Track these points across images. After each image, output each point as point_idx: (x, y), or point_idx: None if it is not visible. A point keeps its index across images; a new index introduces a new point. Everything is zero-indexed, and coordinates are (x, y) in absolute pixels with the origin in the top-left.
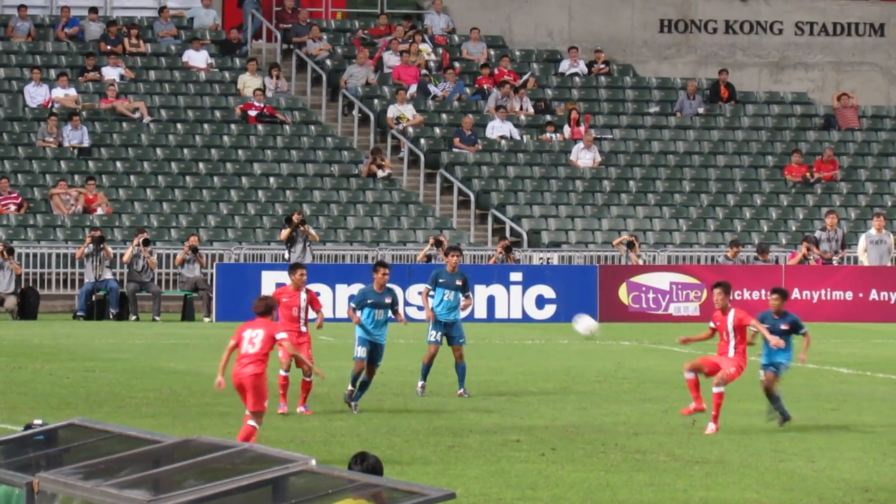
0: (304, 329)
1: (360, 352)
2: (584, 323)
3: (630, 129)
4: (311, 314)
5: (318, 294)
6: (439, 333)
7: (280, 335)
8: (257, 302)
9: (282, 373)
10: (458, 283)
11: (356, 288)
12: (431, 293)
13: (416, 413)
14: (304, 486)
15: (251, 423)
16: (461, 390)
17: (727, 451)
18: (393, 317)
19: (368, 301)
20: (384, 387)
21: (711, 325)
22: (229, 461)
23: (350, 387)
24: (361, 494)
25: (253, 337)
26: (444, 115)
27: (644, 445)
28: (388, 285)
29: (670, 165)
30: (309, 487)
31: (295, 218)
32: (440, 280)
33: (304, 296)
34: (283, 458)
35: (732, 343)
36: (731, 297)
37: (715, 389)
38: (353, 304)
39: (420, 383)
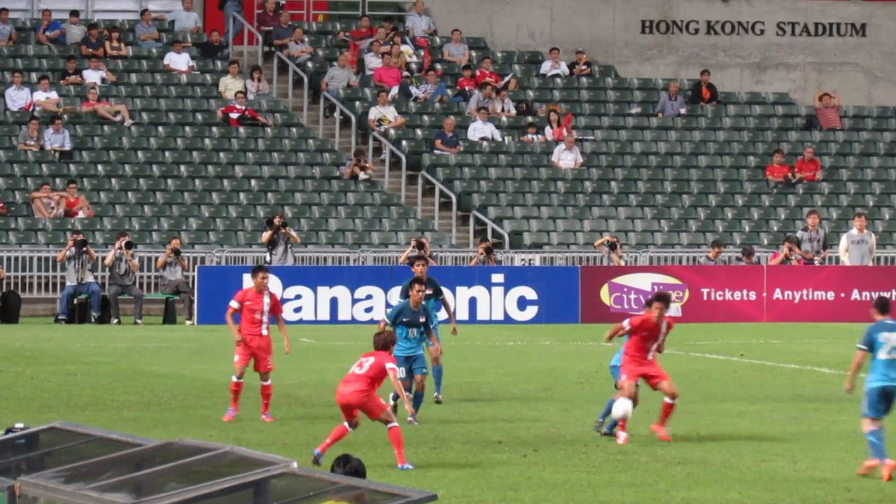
0: (265, 333)
1: (401, 372)
2: (622, 407)
3: (612, 130)
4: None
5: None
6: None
7: (389, 364)
8: (376, 338)
9: (234, 379)
10: (428, 291)
11: (338, 290)
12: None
13: (398, 416)
14: (286, 489)
15: (390, 425)
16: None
17: (709, 452)
18: (427, 337)
19: (403, 319)
20: None
21: (627, 325)
22: (211, 464)
23: (392, 402)
24: (343, 497)
25: (364, 361)
26: (425, 117)
27: (626, 446)
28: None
29: (652, 166)
30: (290, 490)
31: (276, 220)
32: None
33: (266, 299)
34: (264, 461)
35: (653, 350)
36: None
37: (670, 401)
38: (387, 320)
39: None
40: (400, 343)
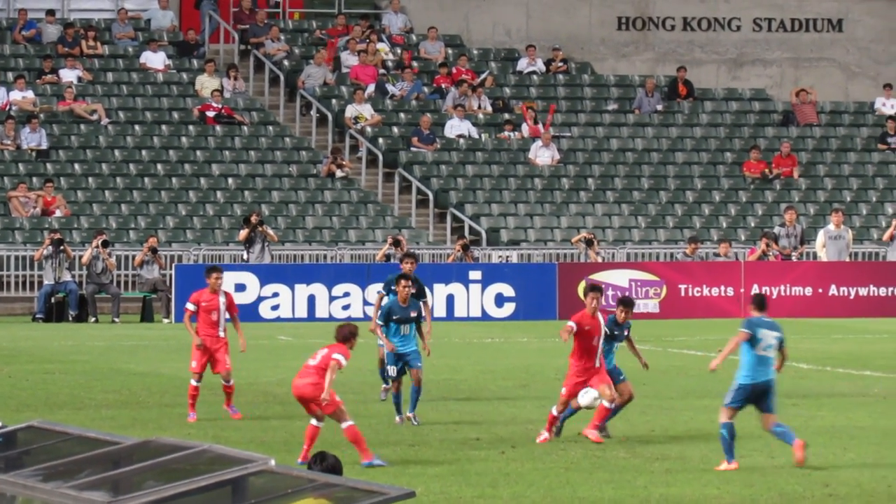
0: (221, 335)
1: (392, 371)
2: (589, 396)
3: (588, 126)
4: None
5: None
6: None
7: (335, 355)
8: (337, 329)
9: (193, 383)
10: (413, 290)
11: (315, 288)
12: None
13: (376, 413)
14: (264, 487)
15: (344, 425)
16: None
17: (687, 448)
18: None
19: (394, 317)
20: (344, 386)
21: (572, 324)
22: (188, 462)
23: (397, 416)
24: (322, 494)
25: (318, 353)
26: (402, 115)
27: (604, 442)
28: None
29: (629, 163)
30: (268, 487)
31: (253, 218)
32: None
33: (222, 299)
34: (242, 459)
35: (601, 350)
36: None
37: (608, 405)
38: (380, 322)
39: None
40: (392, 338)
